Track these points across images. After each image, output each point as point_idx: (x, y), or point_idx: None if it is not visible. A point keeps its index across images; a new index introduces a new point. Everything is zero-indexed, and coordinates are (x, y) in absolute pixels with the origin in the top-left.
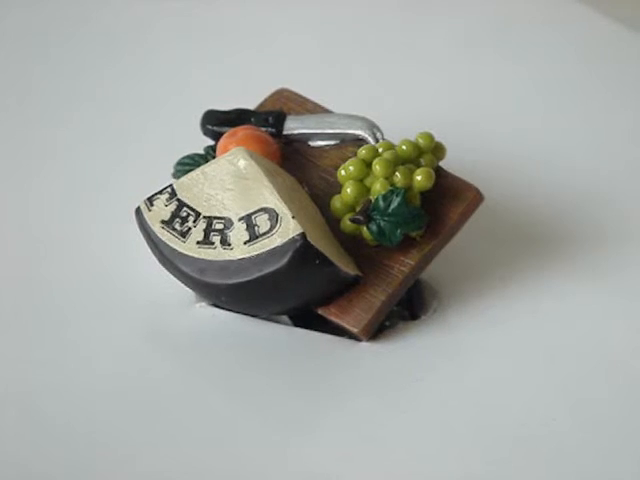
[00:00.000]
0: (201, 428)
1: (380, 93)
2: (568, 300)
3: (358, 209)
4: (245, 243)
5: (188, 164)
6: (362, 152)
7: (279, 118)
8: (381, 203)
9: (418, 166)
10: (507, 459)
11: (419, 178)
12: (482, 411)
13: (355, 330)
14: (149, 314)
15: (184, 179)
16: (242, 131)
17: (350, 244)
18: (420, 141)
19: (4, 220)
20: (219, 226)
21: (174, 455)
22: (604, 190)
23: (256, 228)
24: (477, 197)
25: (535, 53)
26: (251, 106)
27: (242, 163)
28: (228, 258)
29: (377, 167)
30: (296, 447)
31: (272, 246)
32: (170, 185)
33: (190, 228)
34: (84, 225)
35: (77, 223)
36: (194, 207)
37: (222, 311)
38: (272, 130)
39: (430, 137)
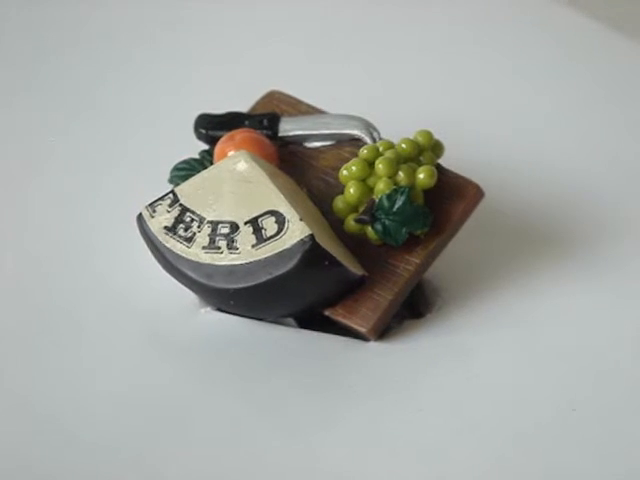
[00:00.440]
0: (214, 431)
1: (371, 93)
2: (568, 299)
3: (362, 209)
4: (253, 247)
5: (184, 169)
6: (364, 152)
7: (273, 120)
8: (385, 202)
9: (419, 164)
10: (520, 456)
11: (422, 176)
12: (497, 409)
13: (363, 330)
14: (154, 321)
15: (186, 184)
16: (239, 134)
17: (353, 244)
18: (419, 139)
19: (3, 228)
20: (225, 230)
21: (188, 461)
22: (604, 190)
23: (263, 231)
24: (478, 193)
25: (534, 52)
26: (242, 109)
27: (245, 166)
28: (236, 262)
29: (380, 166)
30: (310, 448)
31: (281, 249)
32: (172, 191)
33: (195, 233)
34: (83, 234)
35: (74, 232)
36: (198, 212)
37: (228, 315)
38: (267, 132)
39: (429, 135)
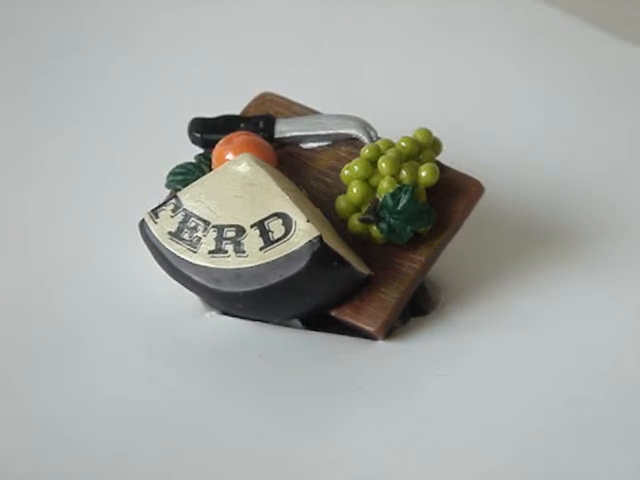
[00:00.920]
0: (224, 434)
1: (363, 93)
2: (568, 299)
3: (365, 208)
4: (261, 249)
5: (181, 173)
6: (365, 151)
7: (269, 122)
8: (390, 201)
9: (419, 162)
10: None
11: (424, 174)
12: (507, 407)
13: (371, 329)
14: (160, 327)
15: (188, 189)
16: (238, 137)
17: (357, 244)
18: (418, 137)
19: (3, 235)
20: (231, 234)
21: (197, 467)
22: (605, 185)
23: (270, 234)
24: (479, 189)
25: (534, 52)
26: (233, 112)
27: (248, 169)
28: (243, 265)
29: (383, 165)
30: (320, 448)
31: (289, 251)
32: (175, 196)
33: (200, 238)
34: (81, 241)
35: (72, 239)
36: (202, 216)
37: (234, 319)
38: (263, 134)
39: (428, 133)
